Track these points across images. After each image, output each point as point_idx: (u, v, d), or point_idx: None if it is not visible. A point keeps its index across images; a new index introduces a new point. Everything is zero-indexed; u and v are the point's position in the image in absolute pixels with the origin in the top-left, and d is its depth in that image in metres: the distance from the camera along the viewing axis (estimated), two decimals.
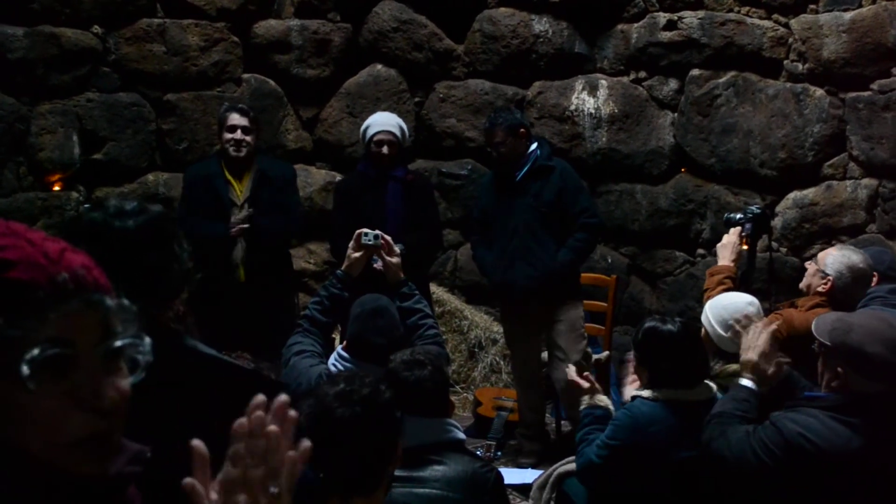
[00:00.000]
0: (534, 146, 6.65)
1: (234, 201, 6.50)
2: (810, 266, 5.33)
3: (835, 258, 5.15)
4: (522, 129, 6.61)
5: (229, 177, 6.52)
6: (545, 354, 6.99)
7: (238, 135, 6.47)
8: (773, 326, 4.10)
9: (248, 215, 6.44)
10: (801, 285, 5.39)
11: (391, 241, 4.90)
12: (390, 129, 6.49)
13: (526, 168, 6.58)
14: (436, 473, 3.53)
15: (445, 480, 3.53)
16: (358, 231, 4.89)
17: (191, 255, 2.53)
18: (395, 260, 4.86)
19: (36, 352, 1.48)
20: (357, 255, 4.84)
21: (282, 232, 6.69)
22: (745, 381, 3.97)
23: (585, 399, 4.54)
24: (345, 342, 4.41)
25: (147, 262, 2.39)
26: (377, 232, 4.88)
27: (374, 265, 5.22)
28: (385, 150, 6.46)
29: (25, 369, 1.47)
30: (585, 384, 4.58)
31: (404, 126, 6.67)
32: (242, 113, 6.52)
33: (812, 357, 3.91)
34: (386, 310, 4.41)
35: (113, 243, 2.32)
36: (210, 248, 6.23)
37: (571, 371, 4.71)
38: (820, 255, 5.34)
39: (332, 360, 4.35)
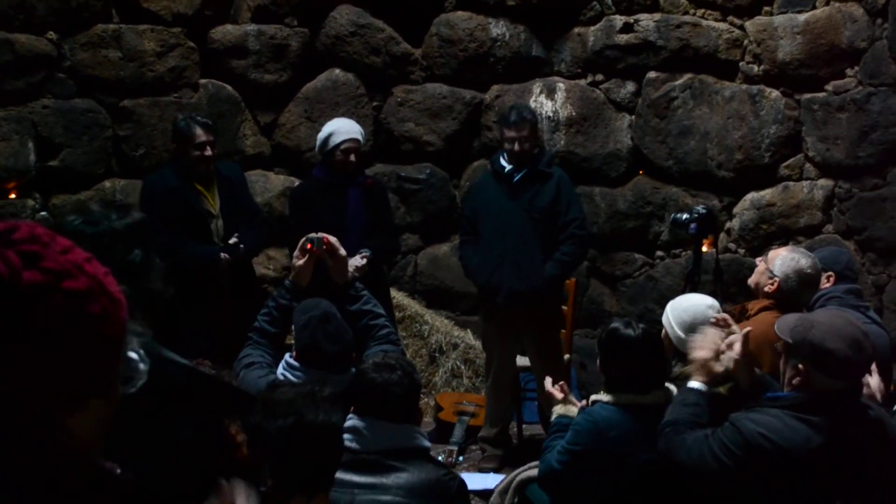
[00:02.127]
0: (536, 150, 6.68)
1: (210, 212, 6.49)
2: (760, 263, 5.33)
3: (783, 260, 5.14)
4: (538, 131, 6.66)
5: (200, 188, 6.50)
6: (520, 359, 7.01)
7: (207, 151, 6.45)
8: (748, 329, 4.12)
9: (236, 243, 6.49)
10: (750, 281, 5.38)
11: (334, 243, 4.86)
12: (356, 137, 6.51)
13: (525, 171, 6.59)
14: (399, 480, 3.53)
15: (409, 488, 3.53)
16: (302, 239, 4.86)
17: (162, 270, 2.54)
18: (338, 264, 4.81)
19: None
20: (302, 262, 4.80)
21: (262, 243, 6.94)
22: (693, 384, 3.98)
23: (558, 408, 4.55)
24: (294, 351, 4.37)
25: (132, 260, 2.41)
26: (319, 235, 4.84)
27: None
28: (353, 157, 6.47)
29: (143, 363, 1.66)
30: (559, 394, 4.58)
31: (363, 131, 6.71)
32: (206, 128, 6.49)
33: (770, 365, 3.94)
34: (333, 315, 4.36)
35: (102, 240, 2.33)
36: (193, 264, 6.33)
37: (548, 381, 4.72)
38: (771, 253, 5.33)
39: (280, 369, 4.31)
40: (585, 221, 6.84)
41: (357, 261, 6.15)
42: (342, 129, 6.55)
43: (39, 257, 1.49)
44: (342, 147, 6.47)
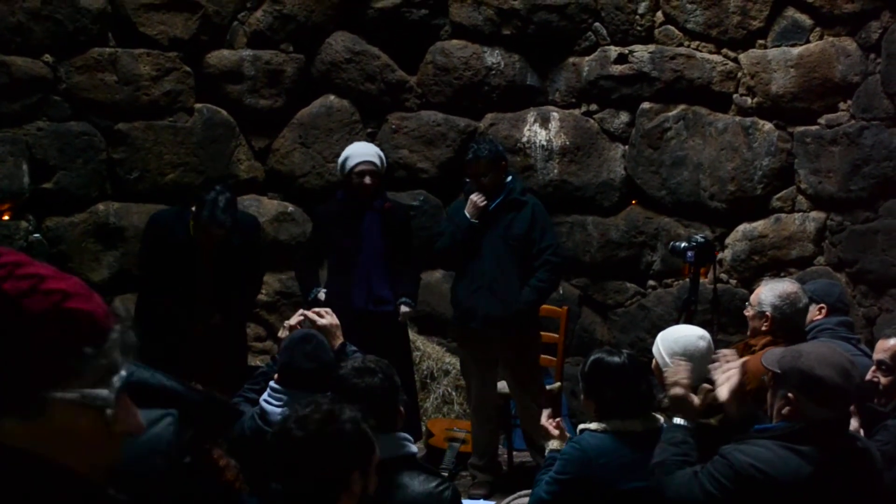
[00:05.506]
0: (509, 178, 6.71)
1: (205, 271, 6.48)
2: (748, 311, 5.33)
3: (765, 294, 5.13)
4: (504, 162, 6.71)
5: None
6: (501, 384, 7.01)
7: (209, 243, 6.35)
8: (745, 359, 4.12)
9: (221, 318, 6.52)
10: (749, 333, 5.37)
11: (310, 317, 4.83)
12: (370, 160, 6.60)
13: (499, 199, 6.63)
14: (393, 497, 3.53)
15: (402, 500, 3.53)
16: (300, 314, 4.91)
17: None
18: (322, 333, 4.78)
19: (124, 374, 1.54)
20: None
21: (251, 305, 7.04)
22: (677, 420, 3.98)
23: (553, 443, 4.53)
24: (276, 375, 4.39)
25: None
26: (292, 322, 4.85)
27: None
28: (367, 180, 6.56)
29: (112, 395, 1.52)
30: (555, 431, 4.57)
31: (382, 155, 6.81)
32: (219, 226, 6.19)
33: None
34: (313, 336, 4.44)
35: None
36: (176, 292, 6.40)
37: (543, 415, 4.70)
38: (751, 298, 5.31)
39: (265, 395, 4.31)
40: (559, 248, 6.94)
41: (403, 309, 6.78)
42: (357, 151, 6.66)
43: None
44: (356, 170, 6.57)
